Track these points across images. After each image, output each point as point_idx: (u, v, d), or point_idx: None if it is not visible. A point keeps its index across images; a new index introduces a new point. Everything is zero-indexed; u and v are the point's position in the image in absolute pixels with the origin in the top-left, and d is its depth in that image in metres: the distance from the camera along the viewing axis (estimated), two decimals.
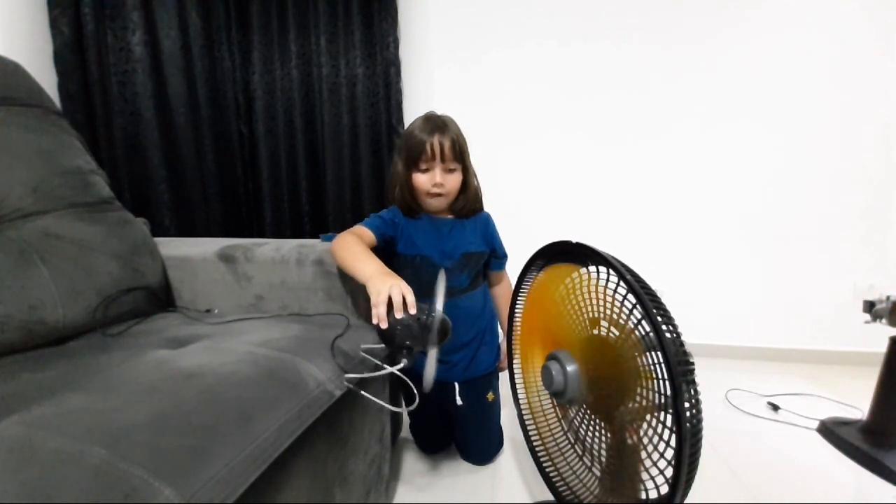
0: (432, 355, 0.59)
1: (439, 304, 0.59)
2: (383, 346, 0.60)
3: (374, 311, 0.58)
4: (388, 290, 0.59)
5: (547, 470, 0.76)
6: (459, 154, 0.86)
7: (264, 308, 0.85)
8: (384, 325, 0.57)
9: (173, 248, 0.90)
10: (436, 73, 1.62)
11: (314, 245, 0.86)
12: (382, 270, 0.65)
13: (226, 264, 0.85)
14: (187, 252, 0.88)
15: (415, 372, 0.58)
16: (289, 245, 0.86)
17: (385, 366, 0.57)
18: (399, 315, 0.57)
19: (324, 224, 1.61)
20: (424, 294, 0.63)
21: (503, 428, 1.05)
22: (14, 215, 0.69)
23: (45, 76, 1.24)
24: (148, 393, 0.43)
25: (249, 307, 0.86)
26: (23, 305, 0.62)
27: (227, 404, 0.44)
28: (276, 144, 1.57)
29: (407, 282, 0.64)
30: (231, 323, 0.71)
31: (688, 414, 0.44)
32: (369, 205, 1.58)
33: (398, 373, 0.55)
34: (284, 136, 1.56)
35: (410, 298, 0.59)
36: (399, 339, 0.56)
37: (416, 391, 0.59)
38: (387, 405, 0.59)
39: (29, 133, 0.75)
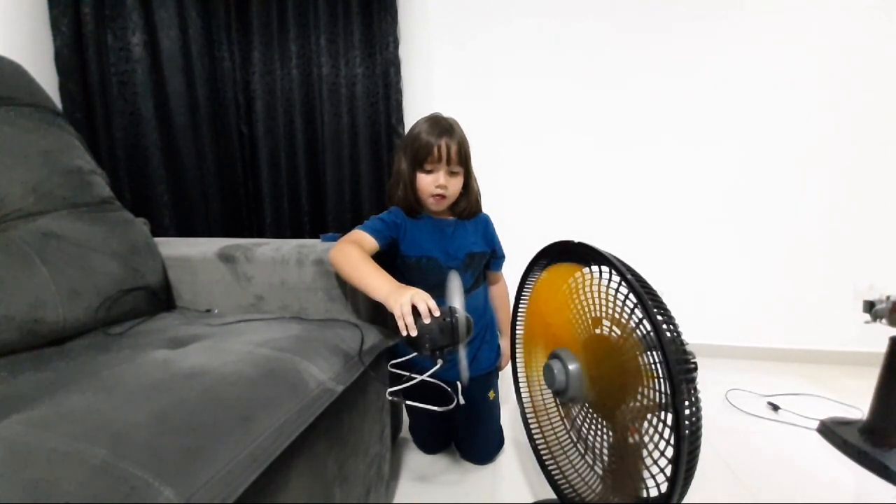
0: (462, 354, 0.62)
1: (458, 303, 0.63)
2: (413, 354, 0.62)
3: (400, 323, 0.60)
4: (409, 300, 0.61)
5: (549, 468, 0.76)
6: (464, 158, 0.87)
7: (264, 308, 0.85)
8: (414, 333, 0.59)
9: (173, 248, 0.90)
10: (436, 72, 1.62)
11: (314, 245, 0.86)
12: (396, 285, 0.68)
13: (226, 264, 0.85)
14: (187, 252, 0.88)
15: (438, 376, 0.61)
16: (289, 245, 0.86)
17: (414, 376, 0.60)
18: (426, 321, 0.59)
19: (324, 224, 1.61)
20: (433, 294, 0.65)
21: (503, 427, 1.04)
22: (14, 215, 0.69)
23: (46, 76, 1.24)
24: (148, 393, 0.43)
25: (249, 307, 0.86)
26: (23, 305, 0.62)
27: (227, 404, 0.44)
28: (276, 144, 1.56)
29: (414, 283, 0.67)
30: (231, 323, 0.71)
31: (687, 412, 0.44)
32: (369, 205, 1.58)
33: (430, 378, 0.58)
34: (284, 136, 1.56)
35: (432, 304, 0.61)
36: (430, 344, 0.58)
37: (453, 394, 0.62)
38: (434, 408, 0.60)
39: (29, 133, 0.75)
